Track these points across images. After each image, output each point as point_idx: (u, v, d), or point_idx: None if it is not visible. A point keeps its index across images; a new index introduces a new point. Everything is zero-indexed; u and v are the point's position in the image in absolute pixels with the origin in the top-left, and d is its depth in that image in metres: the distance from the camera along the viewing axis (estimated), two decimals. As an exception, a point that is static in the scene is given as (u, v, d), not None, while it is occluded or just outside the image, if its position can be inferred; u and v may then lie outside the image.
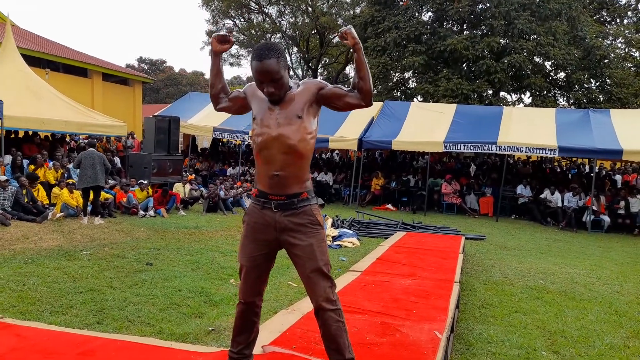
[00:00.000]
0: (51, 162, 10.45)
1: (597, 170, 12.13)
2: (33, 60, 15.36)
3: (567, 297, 5.12)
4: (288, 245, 2.28)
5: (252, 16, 27.79)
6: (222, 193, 10.93)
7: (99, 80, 20.04)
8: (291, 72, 2.36)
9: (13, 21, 17.06)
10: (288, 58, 28.30)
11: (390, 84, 20.44)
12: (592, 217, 11.15)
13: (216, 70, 2.46)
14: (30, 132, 12.24)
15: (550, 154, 11.60)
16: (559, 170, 16.60)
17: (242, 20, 27.83)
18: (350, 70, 30.20)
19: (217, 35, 2.39)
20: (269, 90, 2.20)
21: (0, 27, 16.58)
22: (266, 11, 27.17)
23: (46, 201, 8.93)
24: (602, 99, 18.34)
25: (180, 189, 10.88)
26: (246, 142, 14.75)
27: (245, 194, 11.57)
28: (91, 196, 8.41)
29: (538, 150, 11.57)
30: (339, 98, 2.29)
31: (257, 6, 26.93)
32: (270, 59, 2.14)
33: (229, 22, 27.88)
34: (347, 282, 4.10)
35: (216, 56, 2.44)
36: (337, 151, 18.88)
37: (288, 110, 2.23)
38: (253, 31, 26.58)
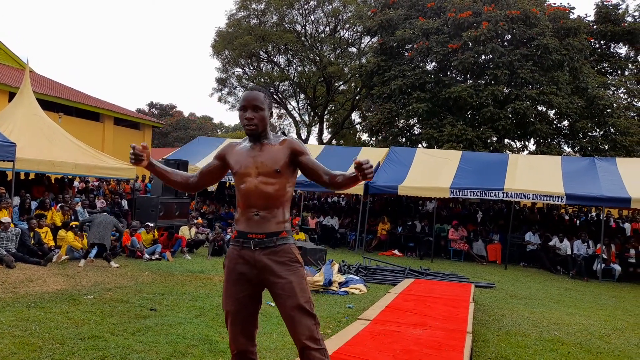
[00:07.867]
0: (59, 205, 10.51)
1: (604, 218, 11.98)
2: (48, 105, 15.80)
3: (584, 349, 4.95)
4: (269, 284, 2.29)
5: (262, 65, 28.63)
6: (227, 237, 10.87)
7: (110, 124, 20.48)
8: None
9: (31, 67, 17.67)
10: (295, 105, 29.08)
11: (395, 130, 20.71)
12: (603, 265, 10.96)
13: (163, 175, 2.54)
14: (41, 175, 12.38)
15: (558, 201, 11.54)
16: (566, 217, 16.46)
17: (251, 68, 28.65)
18: (355, 116, 30.73)
19: (132, 161, 2.42)
20: (249, 116, 2.33)
21: (19, 73, 17.18)
22: (275, 60, 28.01)
23: (52, 243, 8.91)
24: (606, 147, 18.42)
25: (186, 232, 10.84)
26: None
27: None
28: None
29: (545, 198, 11.52)
30: (313, 172, 2.37)
31: (266, 55, 27.79)
32: (258, 91, 2.37)
33: (238, 70, 28.70)
34: (357, 331, 3.99)
35: (151, 168, 2.49)
36: (342, 195, 18.88)
37: (267, 158, 2.33)
38: (262, 79, 27.30)
